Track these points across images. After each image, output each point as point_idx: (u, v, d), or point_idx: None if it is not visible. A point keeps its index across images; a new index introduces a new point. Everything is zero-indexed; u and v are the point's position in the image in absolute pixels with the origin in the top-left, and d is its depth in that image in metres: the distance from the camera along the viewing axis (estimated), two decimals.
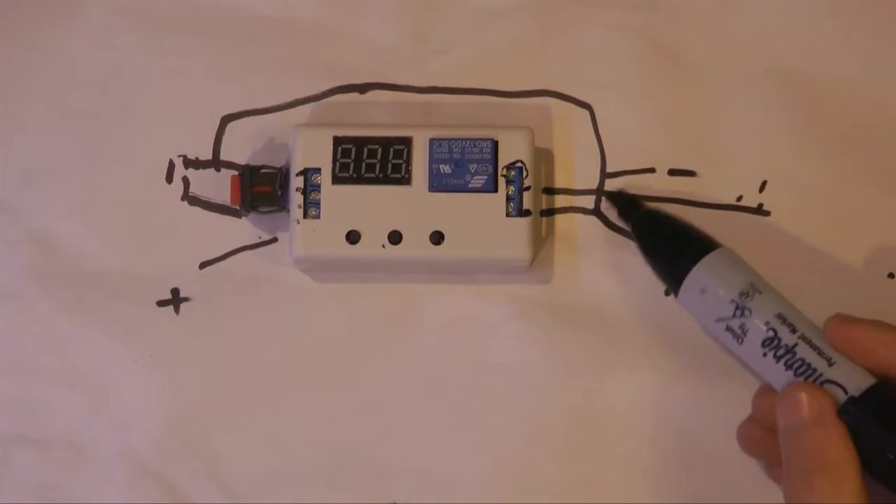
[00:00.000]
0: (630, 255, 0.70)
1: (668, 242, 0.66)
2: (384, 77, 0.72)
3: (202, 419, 0.70)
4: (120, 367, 0.70)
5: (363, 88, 0.72)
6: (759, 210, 0.71)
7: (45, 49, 0.73)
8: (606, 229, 0.71)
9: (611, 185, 0.72)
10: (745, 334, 0.62)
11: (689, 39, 0.73)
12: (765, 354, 0.62)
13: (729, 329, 0.63)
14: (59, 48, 0.73)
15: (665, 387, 0.70)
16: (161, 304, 0.71)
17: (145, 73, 0.72)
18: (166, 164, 0.72)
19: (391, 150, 0.69)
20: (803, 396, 0.60)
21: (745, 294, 0.63)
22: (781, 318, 0.62)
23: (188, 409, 0.70)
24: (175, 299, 0.71)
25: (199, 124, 0.72)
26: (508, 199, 0.68)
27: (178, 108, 0.72)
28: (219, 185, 0.71)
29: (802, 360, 0.61)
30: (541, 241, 0.71)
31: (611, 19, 0.73)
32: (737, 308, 0.62)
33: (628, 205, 0.68)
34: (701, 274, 0.63)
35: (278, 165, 0.70)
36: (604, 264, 0.71)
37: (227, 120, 0.72)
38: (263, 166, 0.70)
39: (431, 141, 0.69)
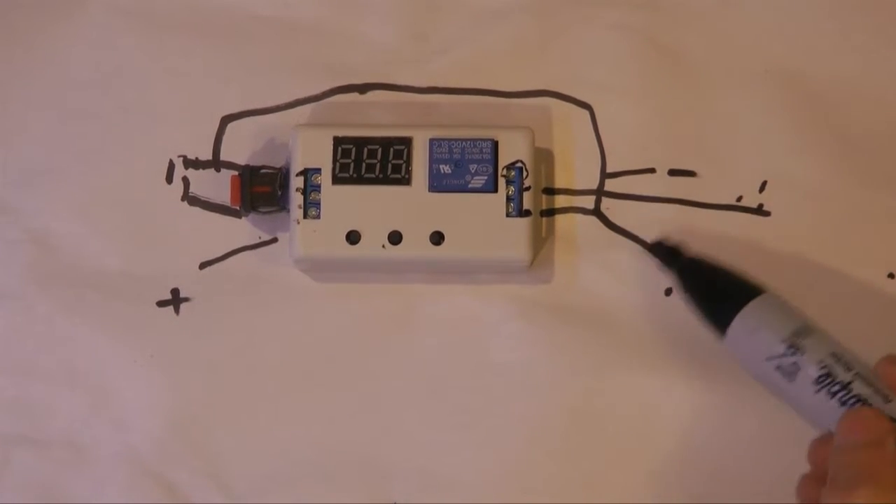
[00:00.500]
0: (630, 255, 0.71)
1: (714, 287, 0.67)
2: (384, 77, 0.72)
3: (202, 419, 0.70)
4: (120, 367, 0.70)
5: (363, 88, 0.72)
6: (759, 210, 0.71)
7: (46, 49, 0.73)
8: (606, 229, 0.71)
9: (611, 185, 0.72)
10: (796, 372, 0.63)
11: (689, 39, 0.73)
12: (817, 391, 0.62)
13: (779, 368, 0.63)
14: (60, 48, 0.73)
15: (664, 386, 0.70)
16: (161, 304, 0.71)
17: (145, 73, 0.72)
18: (166, 165, 0.72)
19: (391, 150, 0.69)
20: (867, 417, 0.60)
21: (798, 333, 0.63)
22: (836, 357, 0.62)
23: (188, 409, 0.70)
24: (175, 299, 0.71)
25: (199, 124, 0.72)
26: (508, 199, 0.68)
27: (178, 109, 0.72)
28: (219, 186, 0.71)
29: (858, 395, 0.62)
30: (541, 241, 0.71)
31: (611, 19, 0.73)
32: (789, 347, 0.63)
33: (669, 254, 0.68)
34: (753, 313, 0.64)
35: (278, 165, 0.70)
36: (604, 264, 0.71)
37: (227, 120, 0.72)
38: (263, 166, 0.70)
39: (431, 141, 0.69)
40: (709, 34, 0.73)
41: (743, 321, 0.64)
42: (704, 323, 0.66)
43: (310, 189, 0.68)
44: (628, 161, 0.72)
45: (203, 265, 0.71)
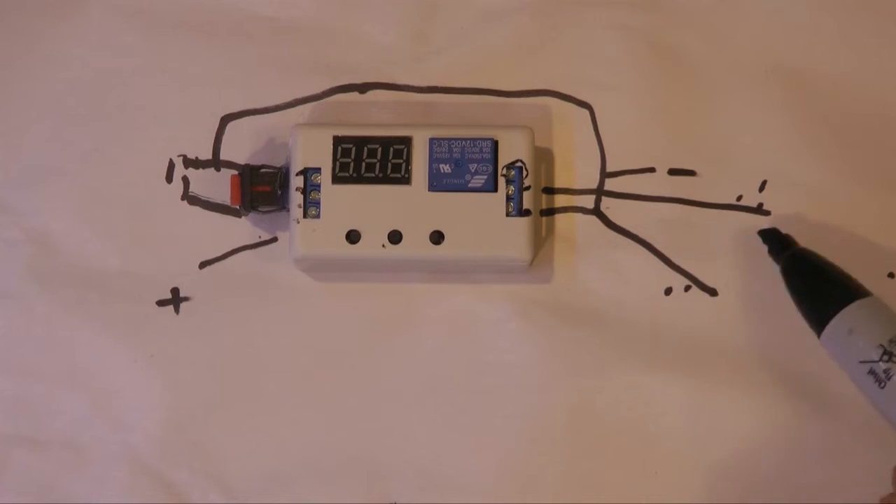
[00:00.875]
0: (629, 255, 0.71)
1: (818, 282, 0.67)
2: (384, 77, 0.72)
3: (202, 419, 0.70)
4: (120, 367, 0.70)
5: (363, 88, 0.72)
6: (759, 210, 0.71)
7: (46, 50, 0.72)
8: (606, 229, 0.71)
9: (611, 184, 0.72)
10: (888, 379, 0.63)
11: (690, 39, 0.73)
12: None
13: (872, 372, 0.64)
14: (60, 49, 0.72)
15: (664, 386, 0.70)
16: (161, 303, 0.71)
17: (145, 73, 0.72)
18: (166, 164, 0.72)
19: (391, 149, 0.69)
20: None
21: (894, 341, 0.63)
22: None
23: (188, 409, 0.70)
24: (175, 299, 0.71)
25: (199, 124, 0.72)
26: (508, 198, 0.68)
27: (178, 108, 0.72)
28: (219, 185, 0.71)
29: None
30: (540, 241, 0.71)
31: (611, 19, 0.73)
32: (884, 353, 0.63)
33: (779, 243, 0.68)
34: (852, 315, 0.65)
35: (278, 165, 0.70)
36: (603, 264, 0.71)
37: (226, 120, 0.72)
38: (263, 166, 0.70)
39: (431, 140, 0.69)
40: (709, 34, 0.73)
41: (841, 321, 0.65)
42: (804, 316, 0.66)
43: (310, 188, 0.68)
44: (628, 160, 0.72)
45: (203, 265, 0.71)
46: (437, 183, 0.68)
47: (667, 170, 0.72)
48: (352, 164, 0.69)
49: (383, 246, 0.68)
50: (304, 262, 0.70)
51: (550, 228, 0.71)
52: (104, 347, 0.71)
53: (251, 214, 0.71)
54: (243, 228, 0.72)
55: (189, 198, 0.72)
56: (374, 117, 0.72)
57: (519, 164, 0.69)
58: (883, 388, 0.63)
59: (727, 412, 0.69)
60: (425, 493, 0.69)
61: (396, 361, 0.70)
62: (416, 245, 0.68)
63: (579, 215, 0.71)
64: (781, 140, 0.72)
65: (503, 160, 0.69)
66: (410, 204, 0.68)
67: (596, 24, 0.73)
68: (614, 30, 0.73)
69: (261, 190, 0.70)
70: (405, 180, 0.68)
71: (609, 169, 0.72)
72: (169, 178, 0.72)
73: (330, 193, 0.68)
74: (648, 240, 0.71)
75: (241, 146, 0.72)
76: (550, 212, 0.71)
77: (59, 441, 0.70)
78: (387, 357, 0.70)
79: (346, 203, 0.68)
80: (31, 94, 0.72)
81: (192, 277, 0.71)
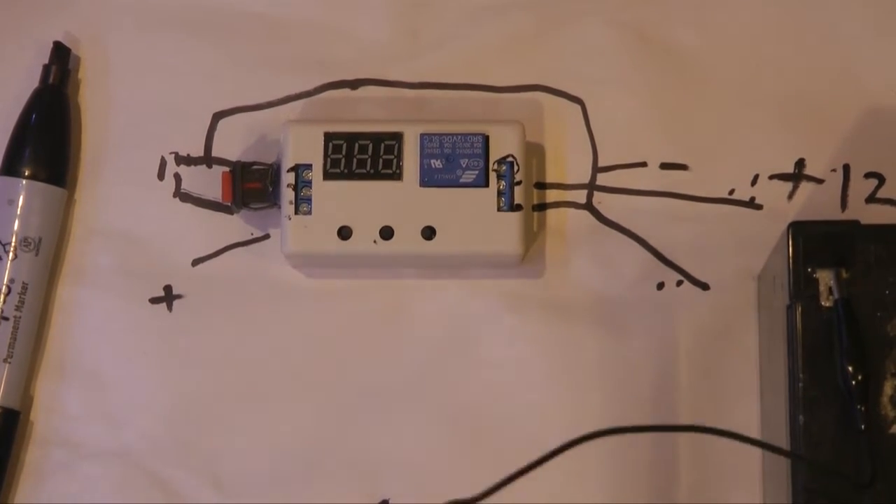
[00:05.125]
0: (622, 250, 0.71)
1: None
2: (375, 73, 0.72)
3: (196, 417, 0.70)
4: (113, 365, 0.70)
5: (354, 84, 0.72)
6: (752, 203, 0.71)
7: (36, 45, 0.72)
8: (598, 223, 0.71)
9: (603, 179, 0.72)
10: None
11: (681, 34, 0.73)
12: None
13: None
14: (49, 45, 0.72)
15: (659, 382, 0.70)
16: (154, 301, 0.71)
17: (137, 69, 0.72)
18: (158, 161, 0.72)
19: (382, 145, 0.69)
20: None
21: None
22: None
23: (182, 407, 0.70)
24: (168, 297, 0.71)
25: (191, 121, 0.72)
26: (500, 193, 0.68)
27: (170, 105, 0.72)
28: (210, 182, 0.71)
29: None
30: (532, 236, 0.71)
31: (602, 14, 0.73)
32: None
33: None
34: None
35: (269, 162, 0.70)
36: (596, 258, 0.71)
37: (218, 116, 0.72)
38: (255, 163, 0.70)
39: (422, 136, 0.69)
40: (700, 28, 0.73)
41: None
42: None
43: (301, 185, 0.69)
44: (620, 155, 0.72)
45: (195, 262, 0.71)
46: (429, 178, 0.68)
47: (659, 164, 0.72)
48: (343, 161, 0.69)
49: (375, 242, 0.68)
50: (296, 259, 0.70)
51: (542, 223, 0.71)
52: (97, 345, 0.71)
53: (243, 211, 0.71)
54: (235, 225, 0.72)
55: (181, 195, 0.72)
56: (366, 113, 0.72)
57: (510, 159, 0.69)
58: None
59: (725, 409, 0.69)
60: (418, 492, 0.69)
61: (389, 357, 0.70)
62: (407, 241, 0.68)
63: (571, 210, 0.71)
64: (773, 134, 0.72)
65: (494, 155, 0.69)
66: (402, 199, 0.68)
67: (587, 18, 0.73)
68: (606, 24, 0.73)
69: (252, 187, 0.70)
70: (396, 176, 0.68)
71: (601, 163, 0.72)
72: (161, 176, 0.72)
73: (321, 190, 0.68)
74: (641, 234, 0.71)
75: (233, 143, 0.72)
76: (542, 207, 0.71)
77: (54, 440, 0.70)
78: (379, 353, 0.70)
79: (337, 199, 0.68)
80: (20, 92, 0.72)
81: (184, 275, 0.71)
